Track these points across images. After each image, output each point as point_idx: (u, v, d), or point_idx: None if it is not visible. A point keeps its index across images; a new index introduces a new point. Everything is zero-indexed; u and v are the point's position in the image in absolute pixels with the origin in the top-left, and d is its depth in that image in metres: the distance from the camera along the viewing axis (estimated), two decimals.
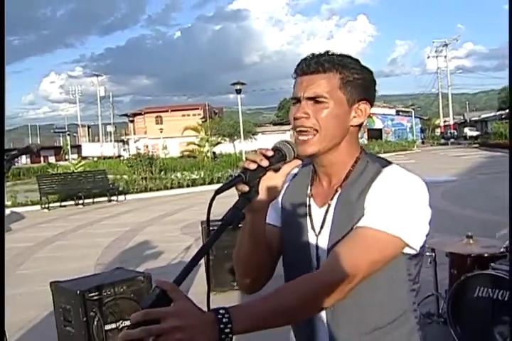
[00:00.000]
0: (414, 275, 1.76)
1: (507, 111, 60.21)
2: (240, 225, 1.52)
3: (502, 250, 4.56)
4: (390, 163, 1.77)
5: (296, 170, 1.95)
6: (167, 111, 72.14)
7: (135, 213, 16.58)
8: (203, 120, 59.08)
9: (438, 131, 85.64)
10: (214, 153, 42.11)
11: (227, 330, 1.27)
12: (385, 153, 41.72)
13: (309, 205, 1.84)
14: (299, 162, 1.70)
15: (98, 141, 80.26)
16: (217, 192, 1.45)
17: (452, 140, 64.52)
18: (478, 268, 4.51)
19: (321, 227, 1.78)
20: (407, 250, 1.68)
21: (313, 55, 1.76)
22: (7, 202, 20.06)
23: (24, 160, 68.69)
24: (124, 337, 1.18)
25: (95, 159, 53.73)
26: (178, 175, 26.39)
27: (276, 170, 1.63)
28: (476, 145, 47.35)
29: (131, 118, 78.16)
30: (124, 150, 68.73)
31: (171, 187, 23.60)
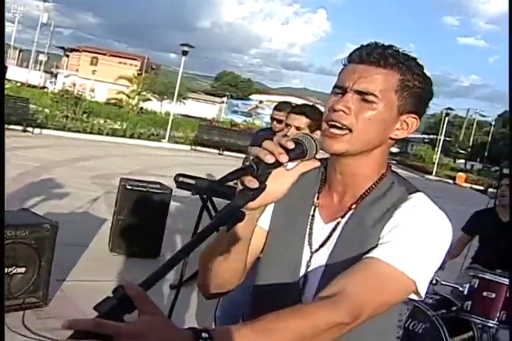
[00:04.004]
0: (403, 322, 1.55)
1: (430, 136, 61.81)
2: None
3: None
4: (417, 190, 1.53)
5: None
6: (105, 54, 70.38)
7: (48, 150, 15.98)
8: (139, 72, 57.94)
9: None
10: (141, 108, 41.36)
11: None
12: None
13: (313, 216, 1.58)
14: (318, 163, 1.43)
15: (27, 67, 77.31)
16: (221, 182, 1.20)
17: None
18: None
19: (321, 245, 1.53)
20: (411, 296, 1.46)
21: (376, 43, 1.47)
22: None
23: None
24: None
25: (18, 84, 51.79)
26: (101, 121, 25.76)
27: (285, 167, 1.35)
28: (394, 162, 48.27)
29: (67, 53, 75.87)
30: (50, 82, 66.66)
31: (90, 132, 23.03)
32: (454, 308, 4.43)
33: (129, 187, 6.87)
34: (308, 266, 1.55)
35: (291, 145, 1.28)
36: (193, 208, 9.55)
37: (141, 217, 6.79)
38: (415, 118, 1.51)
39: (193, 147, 26.16)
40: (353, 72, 1.45)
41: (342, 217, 1.53)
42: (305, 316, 1.25)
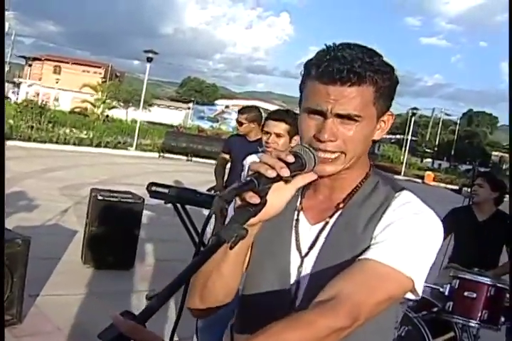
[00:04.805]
0: (399, 323, 1.54)
1: (397, 136, 62.31)
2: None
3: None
4: (402, 187, 1.52)
5: None
6: (68, 62, 69.70)
7: (15, 162, 15.67)
8: (103, 80, 57.55)
9: None
10: (107, 116, 41.06)
11: None
12: None
13: (297, 220, 1.54)
14: (315, 176, 1.40)
15: None
16: (224, 199, 1.15)
17: None
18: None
19: (311, 248, 1.49)
20: (408, 295, 1.44)
21: (338, 54, 1.37)
22: None
23: None
24: None
25: None
26: (67, 131, 25.50)
27: (287, 181, 1.31)
28: None
29: (29, 62, 75.10)
30: (12, 92, 65.92)
31: (56, 142, 22.81)
32: (435, 309, 4.42)
33: (100, 197, 6.76)
34: (299, 272, 1.50)
35: (291, 159, 1.26)
36: (166, 217, 9.51)
37: (113, 227, 6.67)
38: (390, 114, 1.51)
39: (161, 154, 25.99)
40: (327, 94, 1.38)
41: (330, 217, 1.51)
42: (306, 325, 1.22)
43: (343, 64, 1.36)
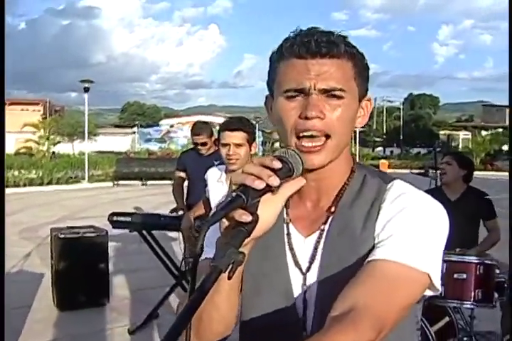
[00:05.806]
0: (420, 322, 1.40)
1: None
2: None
3: None
4: (392, 177, 1.38)
5: None
6: (5, 103, 68.83)
7: None
8: (44, 117, 56.80)
9: (277, 145, 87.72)
10: (53, 152, 40.47)
11: None
12: None
13: (289, 234, 1.37)
14: (304, 181, 1.24)
15: None
16: (210, 223, 0.99)
17: None
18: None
19: (311, 262, 1.33)
20: (426, 291, 1.28)
21: (310, 31, 1.29)
22: None
23: None
24: None
25: None
26: (15, 173, 25.00)
27: (273, 191, 1.14)
28: None
29: None
30: None
31: (7, 186, 22.30)
32: (426, 297, 4.33)
33: (62, 236, 6.50)
34: (304, 290, 1.34)
35: (277, 164, 1.11)
36: (132, 245, 9.28)
37: (80, 264, 6.42)
38: (368, 100, 1.39)
39: (115, 182, 25.74)
40: (307, 70, 1.26)
41: (323, 224, 1.35)
42: None
43: (320, 36, 1.26)
